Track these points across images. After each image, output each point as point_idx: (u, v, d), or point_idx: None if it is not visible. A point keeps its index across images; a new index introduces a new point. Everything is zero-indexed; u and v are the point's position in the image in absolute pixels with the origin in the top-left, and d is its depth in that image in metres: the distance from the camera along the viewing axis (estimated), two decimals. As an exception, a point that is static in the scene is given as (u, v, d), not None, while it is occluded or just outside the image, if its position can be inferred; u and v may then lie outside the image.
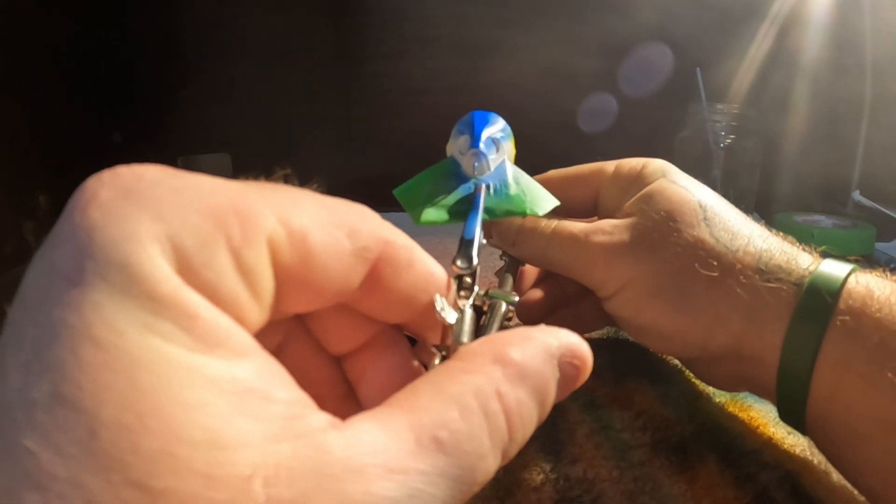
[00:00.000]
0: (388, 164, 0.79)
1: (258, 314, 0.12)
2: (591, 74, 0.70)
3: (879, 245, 0.57)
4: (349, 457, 0.10)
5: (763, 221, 0.27)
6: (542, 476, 0.24)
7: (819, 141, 0.66)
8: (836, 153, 0.65)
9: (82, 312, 0.09)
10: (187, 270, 0.10)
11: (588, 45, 0.69)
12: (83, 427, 0.09)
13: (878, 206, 0.59)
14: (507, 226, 0.30)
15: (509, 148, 0.30)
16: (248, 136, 0.74)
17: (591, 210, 0.31)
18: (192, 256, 0.10)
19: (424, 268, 0.16)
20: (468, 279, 0.19)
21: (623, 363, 0.32)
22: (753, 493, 0.24)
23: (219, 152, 0.75)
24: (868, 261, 0.54)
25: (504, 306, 0.22)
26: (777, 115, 0.66)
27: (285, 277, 0.13)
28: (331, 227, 0.13)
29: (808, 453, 0.27)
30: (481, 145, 0.27)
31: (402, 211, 0.27)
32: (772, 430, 0.28)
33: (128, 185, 0.11)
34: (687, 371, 0.32)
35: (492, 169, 0.27)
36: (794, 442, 0.27)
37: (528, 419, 0.13)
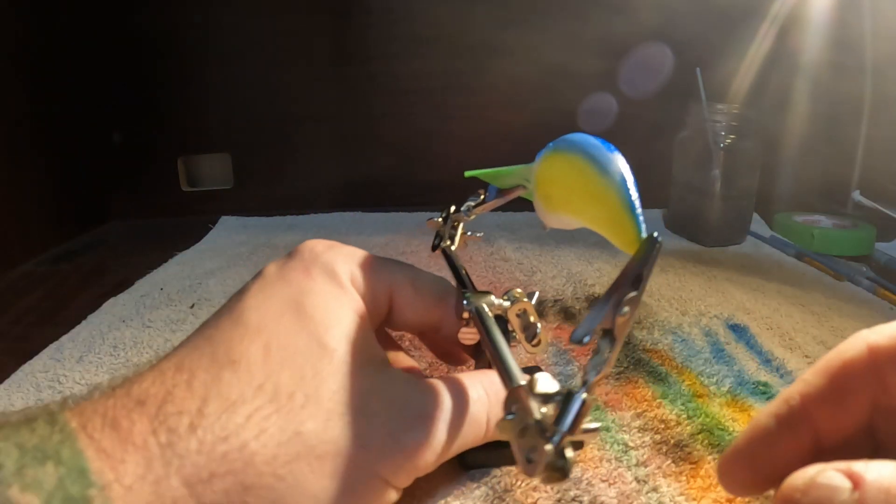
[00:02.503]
0: (387, 164, 0.79)
1: (374, 317, 0.24)
2: (592, 74, 0.70)
3: (879, 245, 0.57)
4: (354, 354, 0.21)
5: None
6: (542, 476, 0.24)
7: (819, 141, 0.66)
8: (836, 153, 0.65)
9: (310, 280, 0.22)
10: (352, 284, 0.23)
11: (588, 45, 0.69)
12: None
13: (878, 206, 0.59)
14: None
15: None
16: (248, 136, 0.74)
17: (860, 439, 0.17)
18: (355, 281, 0.23)
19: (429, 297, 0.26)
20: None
21: (623, 363, 0.32)
22: (753, 493, 0.24)
23: (219, 152, 0.75)
24: (868, 261, 0.54)
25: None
26: (777, 115, 0.66)
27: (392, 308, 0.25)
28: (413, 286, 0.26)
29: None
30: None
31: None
32: (772, 430, 0.28)
33: (326, 244, 0.24)
34: (687, 371, 0.32)
35: None
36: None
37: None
